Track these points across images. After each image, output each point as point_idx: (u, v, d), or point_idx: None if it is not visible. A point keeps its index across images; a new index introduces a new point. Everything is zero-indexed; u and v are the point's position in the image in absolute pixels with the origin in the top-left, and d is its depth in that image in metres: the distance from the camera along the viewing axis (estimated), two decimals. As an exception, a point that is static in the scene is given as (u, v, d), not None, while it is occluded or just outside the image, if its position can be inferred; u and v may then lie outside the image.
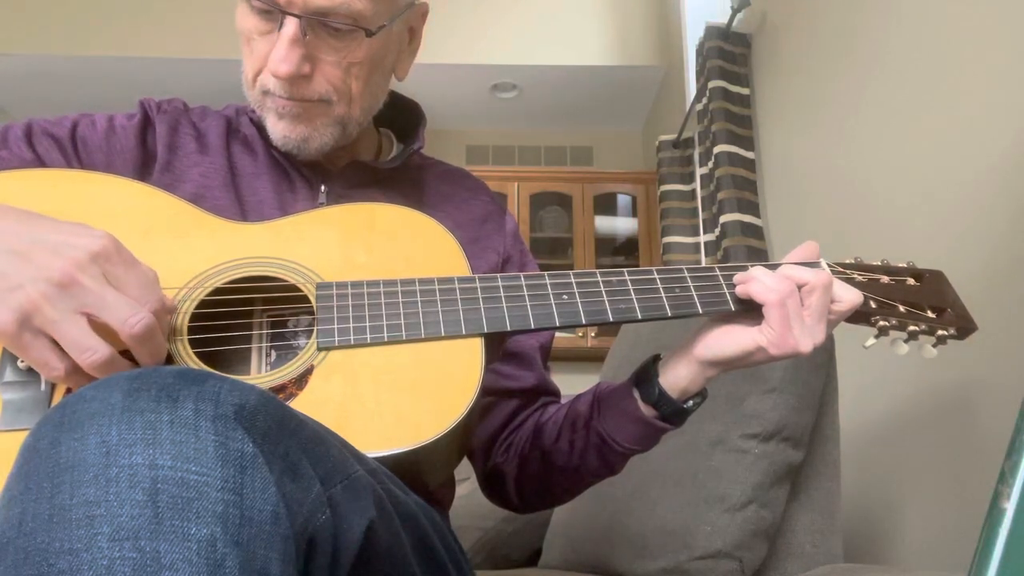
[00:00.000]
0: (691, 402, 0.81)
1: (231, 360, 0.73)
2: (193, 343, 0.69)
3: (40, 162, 0.84)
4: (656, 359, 0.83)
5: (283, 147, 0.85)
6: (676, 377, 0.80)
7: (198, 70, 3.50)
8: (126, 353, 0.62)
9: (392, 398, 0.68)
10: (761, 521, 1.10)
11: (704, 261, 2.61)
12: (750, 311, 0.77)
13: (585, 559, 1.28)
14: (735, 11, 2.37)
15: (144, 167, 0.88)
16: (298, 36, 0.78)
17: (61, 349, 0.60)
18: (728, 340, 0.77)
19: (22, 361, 0.65)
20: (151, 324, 0.61)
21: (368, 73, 0.84)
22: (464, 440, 0.74)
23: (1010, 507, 0.43)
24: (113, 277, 0.62)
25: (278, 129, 0.83)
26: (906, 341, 0.82)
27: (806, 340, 0.74)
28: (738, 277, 0.78)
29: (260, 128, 0.88)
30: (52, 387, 0.65)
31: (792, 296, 0.74)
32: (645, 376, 0.82)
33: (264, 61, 0.81)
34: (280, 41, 0.78)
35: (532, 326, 0.75)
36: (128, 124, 0.89)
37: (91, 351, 0.59)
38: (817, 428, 1.18)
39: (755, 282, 0.76)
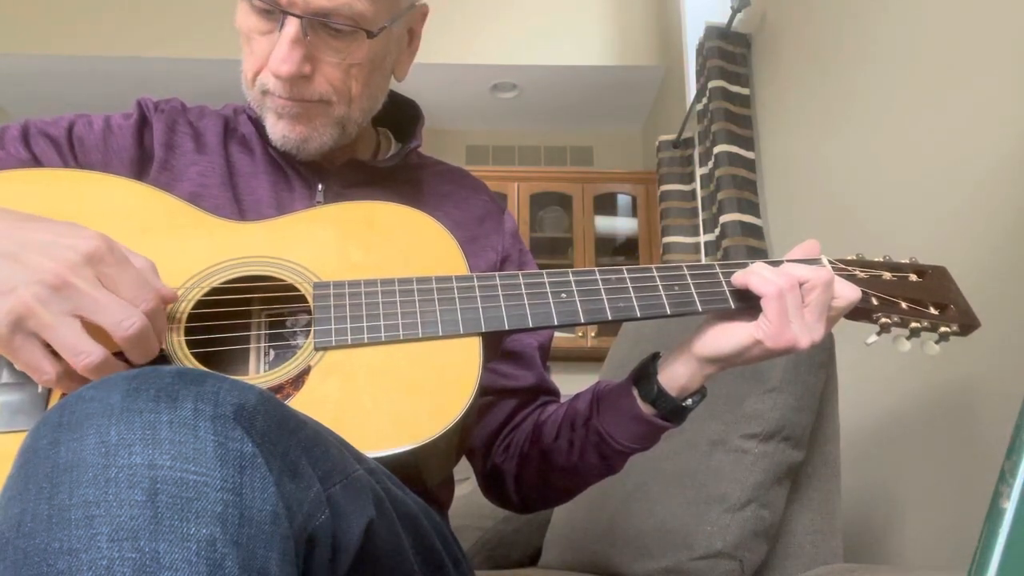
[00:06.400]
0: (690, 400, 0.81)
1: (229, 360, 0.73)
2: (191, 343, 0.69)
3: (36, 162, 0.84)
4: (655, 357, 0.83)
5: (282, 147, 0.85)
6: (675, 374, 0.80)
7: (198, 70, 3.49)
8: (119, 353, 0.62)
9: (389, 398, 0.68)
10: (761, 521, 1.10)
11: (704, 261, 2.61)
12: (750, 309, 0.77)
13: (585, 559, 1.27)
14: (735, 11, 2.37)
15: (141, 166, 0.87)
16: (299, 36, 0.78)
17: (53, 353, 0.59)
18: (726, 336, 0.77)
19: None
20: (144, 327, 0.61)
21: (368, 74, 0.84)
22: (462, 440, 0.74)
23: (1010, 507, 0.43)
24: (106, 278, 0.61)
25: (277, 129, 0.83)
26: (908, 338, 0.82)
27: (804, 336, 0.74)
28: (738, 272, 0.78)
29: (258, 127, 0.88)
30: (49, 388, 0.65)
31: (792, 291, 0.74)
32: (644, 374, 0.82)
33: (264, 60, 0.81)
34: (281, 41, 0.78)
35: (530, 325, 0.75)
36: (125, 123, 0.89)
37: (85, 354, 0.59)
38: (817, 428, 1.18)
39: (754, 275, 0.76)
